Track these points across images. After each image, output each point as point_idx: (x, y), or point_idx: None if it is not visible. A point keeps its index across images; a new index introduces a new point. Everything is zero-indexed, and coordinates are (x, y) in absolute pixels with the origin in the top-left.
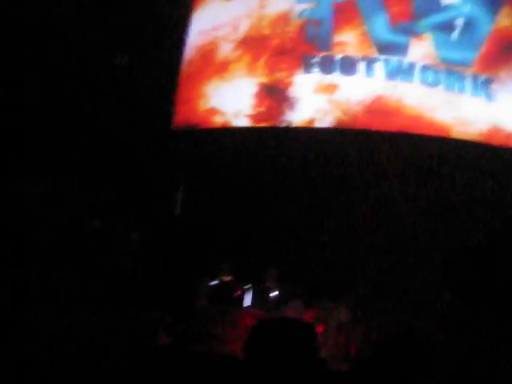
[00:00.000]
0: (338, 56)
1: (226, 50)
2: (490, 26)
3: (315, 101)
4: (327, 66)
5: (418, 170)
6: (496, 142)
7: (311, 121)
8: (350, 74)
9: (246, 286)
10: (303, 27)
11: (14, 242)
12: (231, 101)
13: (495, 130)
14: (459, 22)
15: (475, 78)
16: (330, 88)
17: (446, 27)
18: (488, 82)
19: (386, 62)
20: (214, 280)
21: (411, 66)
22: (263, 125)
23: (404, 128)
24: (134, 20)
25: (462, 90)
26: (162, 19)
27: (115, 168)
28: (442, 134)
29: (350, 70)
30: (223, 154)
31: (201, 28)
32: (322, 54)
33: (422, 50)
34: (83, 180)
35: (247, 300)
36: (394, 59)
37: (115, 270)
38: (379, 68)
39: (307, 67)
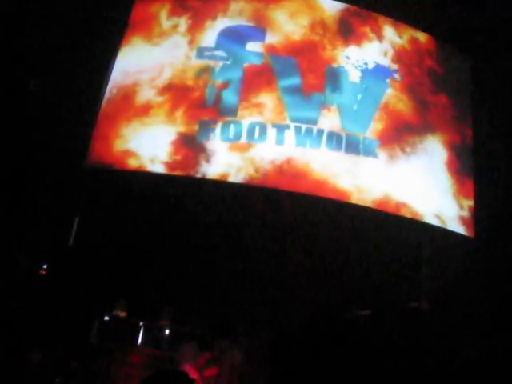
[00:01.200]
0: (245, 122)
1: (147, 95)
2: (381, 99)
3: (230, 156)
4: (233, 132)
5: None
6: (388, 209)
7: (225, 175)
8: (259, 140)
9: (140, 323)
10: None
11: None
12: (148, 145)
13: (387, 199)
14: (359, 97)
15: (369, 141)
16: (244, 147)
17: (350, 102)
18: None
19: (297, 129)
20: (107, 316)
21: (320, 133)
22: (178, 173)
23: (310, 190)
24: (53, 45)
25: (357, 152)
26: (86, 51)
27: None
28: (343, 199)
29: (261, 136)
30: (130, 194)
31: (125, 68)
32: (226, 119)
33: (329, 120)
34: None
35: (141, 338)
36: (304, 127)
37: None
38: (290, 135)
39: (206, 133)
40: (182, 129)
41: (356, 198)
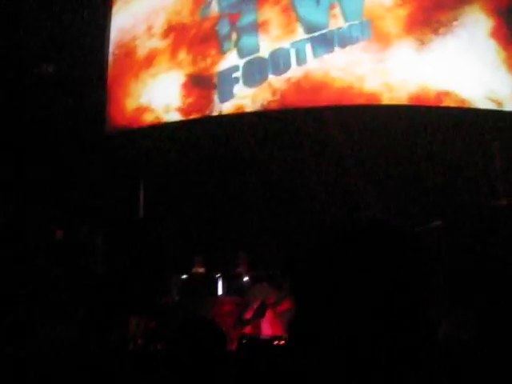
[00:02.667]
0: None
1: (148, 45)
2: None
3: (244, 87)
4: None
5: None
6: (426, 102)
7: (241, 107)
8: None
9: (218, 275)
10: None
11: None
12: (159, 96)
13: (424, 91)
14: None
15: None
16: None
17: None
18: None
19: (313, 40)
20: (185, 274)
21: (331, 36)
22: (195, 116)
23: (334, 101)
24: (55, 27)
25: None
26: (83, 22)
27: (68, 175)
28: (373, 102)
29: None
30: (169, 149)
31: (120, 26)
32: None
33: (334, 19)
34: (38, 192)
35: (220, 288)
36: (317, 34)
37: (85, 277)
38: (308, 50)
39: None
40: (189, 70)
41: (388, 98)
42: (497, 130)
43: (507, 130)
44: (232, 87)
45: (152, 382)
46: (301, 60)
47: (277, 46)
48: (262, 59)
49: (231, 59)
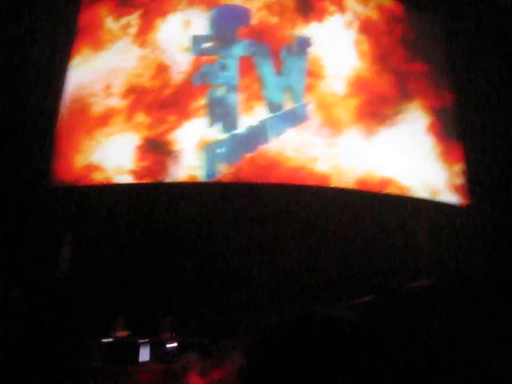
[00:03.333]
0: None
1: (104, 103)
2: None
3: (197, 155)
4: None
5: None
6: (371, 188)
7: (195, 176)
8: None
9: (142, 340)
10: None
11: None
12: (112, 156)
13: (370, 177)
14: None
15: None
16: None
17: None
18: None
19: (274, 119)
20: (107, 337)
21: (287, 115)
22: (147, 180)
23: (286, 179)
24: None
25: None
26: (40, 67)
27: None
28: (323, 184)
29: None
30: (106, 210)
31: (79, 79)
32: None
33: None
34: None
35: (144, 355)
36: (278, 114)
37: None
38: (271, 128)
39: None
40: (146, 133)
41: (337, 181)
42: (428, 216)
43: (439, 217)
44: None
45: None
46: (264, 137)
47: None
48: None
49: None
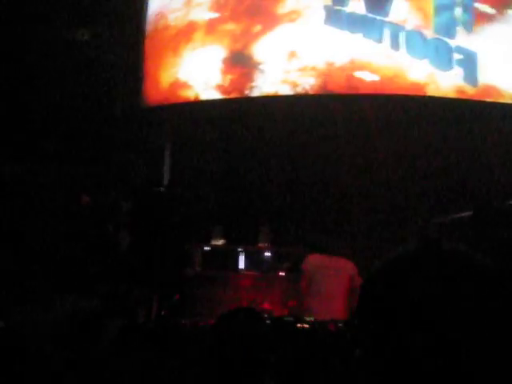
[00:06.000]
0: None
1: (188, 18)
2: None
3: (286, 66)
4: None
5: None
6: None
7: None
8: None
9: (239, 249)
10: None
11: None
12: (198, 71)
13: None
14: None
15: None
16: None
17: None
18: None
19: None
20: (206, 245)
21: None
22: (234, 95)
23: (379, 89)
24: None
25: None
26: None
27: (98, 143)
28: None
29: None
30: (202, 123)
31: None
32: None
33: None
34: (66, 159)
35: (241, 263)
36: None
37: (108, 244)
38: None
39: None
40: (230, 46)
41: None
42: None
43: None
44: None
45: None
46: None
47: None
48: None
49: None
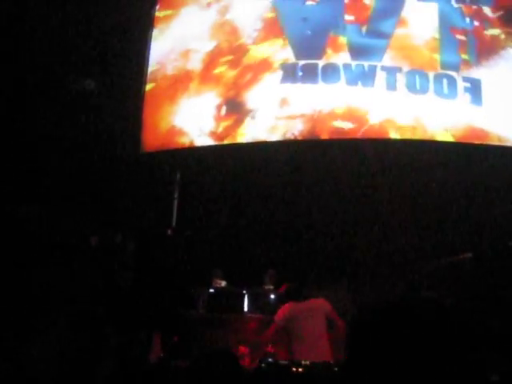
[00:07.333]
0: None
1: (184, 68)
2: None
3: (278, 113)
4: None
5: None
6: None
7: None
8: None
9: (244, 291)
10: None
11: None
12: (193, 119)
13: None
14: None
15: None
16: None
17: None
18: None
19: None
20: (210, 287)
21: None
22: (227, 142)
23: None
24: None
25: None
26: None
27: (106, 186)
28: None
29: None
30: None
31: (160, 47)
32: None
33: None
34: (76, 199)
35: (246, 305)
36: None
37: (114, 285)
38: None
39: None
40: (223, 93)
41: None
42: None
43: None
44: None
45: None
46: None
47: None
48: None
49: None
